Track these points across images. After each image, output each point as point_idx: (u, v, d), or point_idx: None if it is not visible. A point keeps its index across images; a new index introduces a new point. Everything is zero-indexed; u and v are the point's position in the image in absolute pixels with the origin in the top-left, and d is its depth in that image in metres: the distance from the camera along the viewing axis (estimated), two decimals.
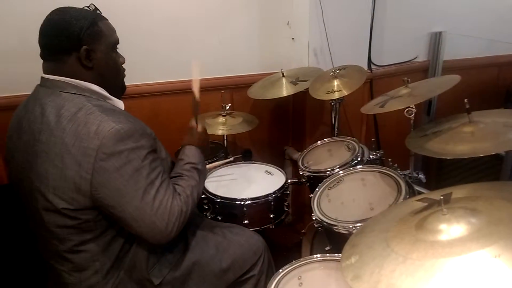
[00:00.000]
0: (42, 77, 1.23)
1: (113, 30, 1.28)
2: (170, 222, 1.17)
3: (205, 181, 1.80)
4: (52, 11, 1.20)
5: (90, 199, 1.14)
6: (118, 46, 1.31)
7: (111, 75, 1.29)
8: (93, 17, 1.21)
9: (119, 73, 1.33)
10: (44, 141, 1.15)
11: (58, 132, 1.13)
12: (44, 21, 1.19)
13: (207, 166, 1.69)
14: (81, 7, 1.24)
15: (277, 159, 2.57)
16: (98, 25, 1.21)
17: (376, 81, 2.50)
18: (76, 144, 1.11)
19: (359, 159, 1.74)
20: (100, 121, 1.12)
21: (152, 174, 1.17)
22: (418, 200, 1.02)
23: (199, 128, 1.48)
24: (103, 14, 1.28)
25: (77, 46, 1.18)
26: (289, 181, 1.85)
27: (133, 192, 1.13)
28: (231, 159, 1.95)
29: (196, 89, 1.49)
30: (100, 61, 1.23)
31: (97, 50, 1.22)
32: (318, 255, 1.29)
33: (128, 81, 2.06)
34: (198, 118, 1.50)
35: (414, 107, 1.56)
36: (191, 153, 1.39)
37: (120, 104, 1.31)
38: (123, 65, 1.35)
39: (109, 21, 1.28)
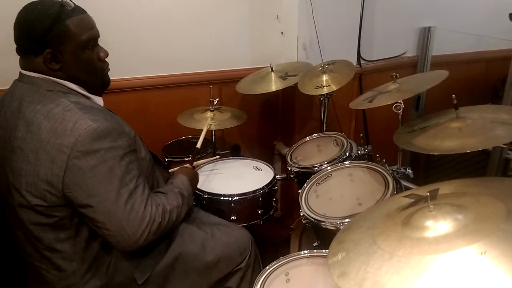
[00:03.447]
0: (20, 72, 1.20)
1: (86, 27, 1.18)
2: (140, 229, 1.13)
3: None
4: (22, 8, 1.15)
5: (63, 197, 1.12)
6: (97, 40, 1.25)
7: (84, 74, 1.22)
8: (58, 16, 1.12)
9: (95, 71, 1.25)
10: (20, 137, 1.13)
11: (34, 128, 1.11)
12: (15, 19, 1.15)
13: (194, 162, 1.68)
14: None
15: (266, 154, 2.56)
16: (64, 24, 1.12)
17: (365, 76, 2.50)
18: (52, 141, 1.09)
19: (347, 154, 1.73)
20: (77, 118, 1.10)
21: (127, 177, 1.14)
22: (405, 196, 1.01)
23: (193, 171, 1.57)
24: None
25: (41, 49, 1.13)
26: (277, 176, 1.84)
27: (106, 193, 1.10)
28: (217, 157, 1.94)
29: (201, 138, 1.72)
30: (68, 63, 1.17)
31: (64, 51, 1.15)
32: (306, 251, 1.28)
33: (116, 75, 2.03)
34: (194, 163, 1.65)
35: (402, 102, 1.56)
36: (181, 181, 1.40)
37: (99, 101, 1.28)
38: (106, 59, 1.28)
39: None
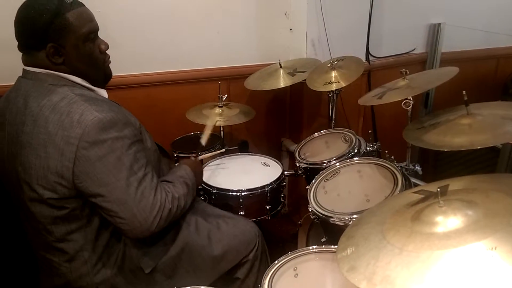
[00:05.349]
0: (23, 69, 1.21)
1: (86, 19, 1.19)
2: (151, 216, 1.16)
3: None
4: (21, 4, 1.16)
5: (73, 188, 1.13)
6: (97, 33, 1.26)
7: (86, 67, 1.23)
8: (59, 10, 1.13)
9: (97, 63, 1.26)
10: (28, 132, 1.14)
11: (41, 122, 1.12)
12: (15, 15, 1.16)
13: (200, 157, 1.68)
14: None
15: (274, 150, 2.56)
16: (65, 18, 1.13)
17: (374, 72, 2.49)
18: (59, 133, 1.10)
19: (355, 151, 1.73)
20: (83, 110, 1.11)
21: (136, 165, 1.16)
22: (414, 192, 1.01)
23: (197, 163, 1.57)
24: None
25: (43, 43, 1.14)
26: (285, 172, 1.85)
27: (115, 182, 1.12)
28: (223, 150, 1.95)
29: (206, 134, 1.71)
30: (71, 56, 1.18)
31: (66, 45, 1.16)
32: (314, 247, 1.28)
33: (125, 71, 2.04)
34: (199, 157, 1.65)
35: (411, 99, 1.55)
36: (184, 172, 1.42)
37: (103, 93, 1.30)
38: (106, 51, 1.29)
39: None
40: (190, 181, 1.39)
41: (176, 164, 1.62)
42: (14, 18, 1.17)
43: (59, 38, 1.15)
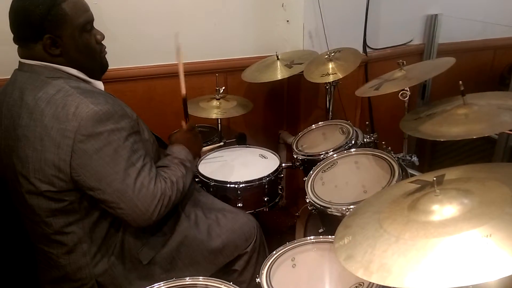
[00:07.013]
0: (20, 61, 1.21)
1: (82, 10, 1.19)
2: (152, 205, 1.17)
3: (199, 164, 1.82)
4: None
5: (71, 181, 1.14)
6: (93, 23, 1.25)
7: (84, 58, 1.22)
8: (54, 0, 1.12)
9: (93, 54, 1.26)
10: (24, 125, 1.14)
11: (37, 115, 1.12)
12: (10, 7, 1.15)
13: (203, 149, 1.68)
14: None
15: (272, 143, 2.56)
16: (61, 8, 1.13)
17: (371, 64, 2.49)
18: (55, 126, 1.10)
19: (353, 142, 1.74)
20: (78, 102, 1.11)
21: (134, 156, 1.16)
22: (411, 182, 1.02)
23: (187, 128, 1.50)
24: None
25: (40, 34, 1.13)
26: (283, 164, 1.85)
27: (114, 174, 1.12)
28: (222, 143, 1.95)
29: (182, 82, 1.53)
30: (68, 47, 1.17)
31: (63, 35, 1.15)
32: (312, 237, 1.29)
33: (122, 64, 2.03)
34: (188, 118, 1.55)
35: (408, 89, 1.55)
36: (177, 151, 1.39)
37: (99, 85, 1.29)
38: (102, 41, 1.28)
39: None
40: (185, 157, 1.37)
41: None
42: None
43: (56, 29, 1.14)
